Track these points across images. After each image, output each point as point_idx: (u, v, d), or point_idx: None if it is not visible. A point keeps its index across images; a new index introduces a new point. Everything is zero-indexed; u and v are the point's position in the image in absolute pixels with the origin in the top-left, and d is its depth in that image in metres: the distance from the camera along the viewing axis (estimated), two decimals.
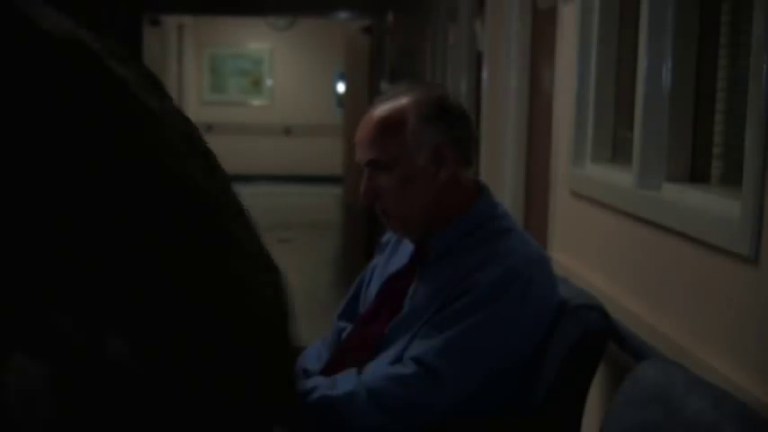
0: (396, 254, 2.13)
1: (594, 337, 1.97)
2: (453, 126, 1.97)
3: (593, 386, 2.01)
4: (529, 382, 1.96)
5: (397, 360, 1.92)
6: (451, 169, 1.96)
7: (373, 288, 2.12)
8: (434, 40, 6.59)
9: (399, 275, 2.08)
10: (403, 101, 1.96)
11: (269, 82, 14.77)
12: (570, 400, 1.98)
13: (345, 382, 1.89)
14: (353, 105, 11.46)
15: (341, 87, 13.51)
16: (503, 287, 1.87)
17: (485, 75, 4.51)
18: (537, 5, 3.61)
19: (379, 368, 1.94)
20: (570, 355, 1.93)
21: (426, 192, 1.95)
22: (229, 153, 12.02)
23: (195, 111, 14.18)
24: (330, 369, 2.09)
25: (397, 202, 1.96)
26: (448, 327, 1.88)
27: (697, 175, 2.10)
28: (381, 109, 1.97)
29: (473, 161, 2.04)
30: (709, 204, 1.86)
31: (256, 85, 14.77)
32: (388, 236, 2.19)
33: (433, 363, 1.86)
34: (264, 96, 14.80)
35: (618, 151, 2.62)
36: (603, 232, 2.51)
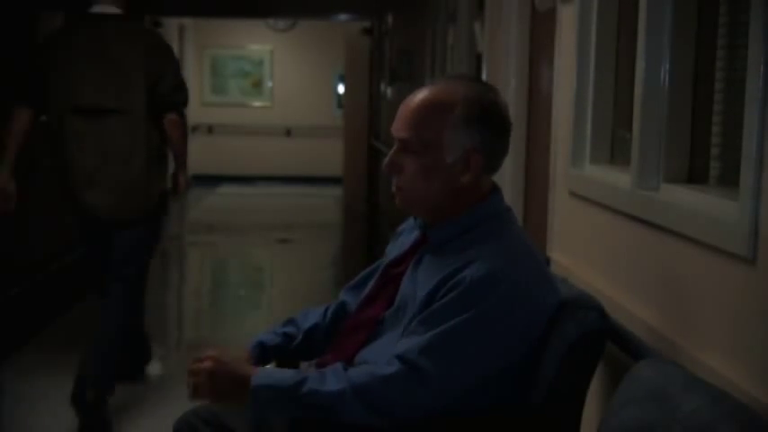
0: (405, 240, 2.16)
1: (593, 337, 1.98)
2: (491, 135, 1.96)
3: (592, 386, 2.02)
4: (528, 382, 1.97)
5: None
6: (475, 175, 1.96)
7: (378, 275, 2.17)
8: (434, 42, 6.60)
9: (398, 262, 2.11)
10: (458, 91, 1.95)
11: (269, 83, 14.77)
12: (569, 399, 1.99)
13: (334, 378, 1.88)
14: (353, 106, 11.48)
15: (341, 88, 13.52)
16: (488, 288, 1.87)
17: (484, 76, 4.51)
18: (536, 7, 3.62)
19: (371, 355, 1.98)
20: (569, 354, 1.94)
21: (444, 187, 1.96)
22: (230, 154, 11.91)
23: (196, 112, 14.18)
24: (331, 350, 2.14)
25: (413, 184, 1.97)
26: (433, 325, 1.88)
27: (695, 175, 2.11)
28: (433, 90, 1.96)
29: (497, 170, 2.04)
30: (707, 205, 1.87)
31: (257, 86, 14.78)
32: (403, 225, 2.22)
33: (417, 361, 1.85)
34: (265, 98, 14.80)
35: (616, 152, 2.62)
36: (602, 233, 2.52)
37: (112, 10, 3.90)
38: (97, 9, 3.90)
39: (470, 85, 2.01)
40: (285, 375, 1.94)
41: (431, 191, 1.97)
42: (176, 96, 3.92)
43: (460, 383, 1.90)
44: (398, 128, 1.97)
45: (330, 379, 1.88)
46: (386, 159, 2.00)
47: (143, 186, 3.92)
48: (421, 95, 1.96)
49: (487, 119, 1.95)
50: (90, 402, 3.75)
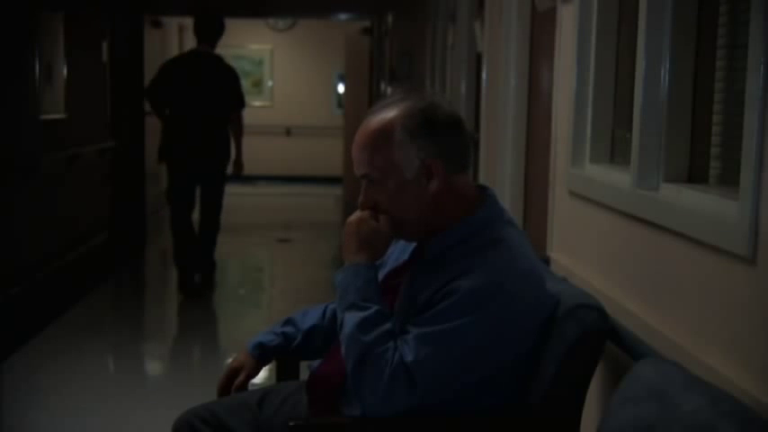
0: (404, 248, 2.16)
1: (593, 337, 1.98)
2: (440, 138, 1.98)
3: (592, 386, 2.02)
4: (528, 382, 1.97)
5: None
6: (442, 180, 1.98)
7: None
8: (434, 41, 6.60)
9: (398, 272, 2.11)
10: (390, 114, 1.98)
11: (269, 83, 14.77)
12: (569, 399, 1.99)
13: (364, 332, 1.92)
14: (353, 106, 11.47)
15: (341, 88, 13.51)
16: (482, 298, 1.87)
17: (484, 75, 4.52)
18: (536, 7, 3.62)
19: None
20: (569, 354, 1.94)
21: (419, 202, 1.98)
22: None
23: None
24: (326, 359, 2.15)
25: (391, 211, 2.00)
26: (425, 329, 1.88)
27: (695, 175, 2.11)
28: (371, 122, 2.01)
29: (468, 165, 2.05)
30: (706, 205, 1.87)
31: (257, 85, 14.77)
32: None
33: (408, 365, 1.86)
34: (265, 97, 14.79)
35: (616, 151, 2.63)
36: (602, 232, 2.52)
37: (205, 49, 6.47)
38: (196, 48, 6.54)
39: (404, 98, 2.02)
40: (364, 294, 1.97)
41: (409, 211, 1.99)
42: (239, 104, 6.58)
43: (448, 389, 1.90)
44: (356, 168, 2.03)
45: (370, 327, 1.92)
46: (359, 200, 2.04)
47: (218, 155, 6.53)
48: (363, 132, 2.01)
49: (429, 124, 1.97)
50: (196, 286, 6.59)
